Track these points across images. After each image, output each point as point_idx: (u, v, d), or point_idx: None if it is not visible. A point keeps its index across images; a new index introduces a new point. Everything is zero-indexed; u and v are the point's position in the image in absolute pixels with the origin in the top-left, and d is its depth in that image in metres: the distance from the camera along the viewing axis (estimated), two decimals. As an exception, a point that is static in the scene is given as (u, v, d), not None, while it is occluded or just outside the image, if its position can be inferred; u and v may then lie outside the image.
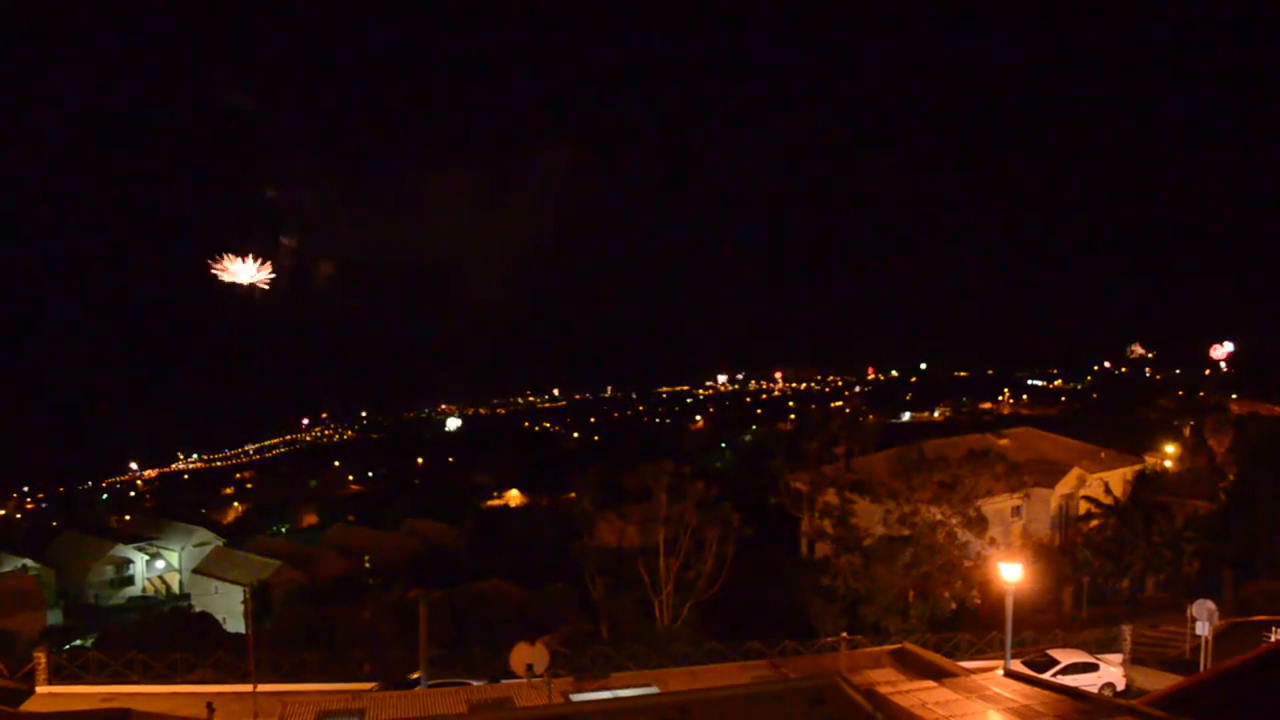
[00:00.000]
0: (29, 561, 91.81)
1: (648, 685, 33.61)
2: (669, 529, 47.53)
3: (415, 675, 35.63)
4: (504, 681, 33.92)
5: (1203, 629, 37.43)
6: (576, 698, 30.84)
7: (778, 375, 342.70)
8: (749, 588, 51.06)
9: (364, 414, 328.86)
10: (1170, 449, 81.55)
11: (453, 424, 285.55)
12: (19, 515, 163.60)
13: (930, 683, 28.47)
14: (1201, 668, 36.30)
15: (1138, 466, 71.46)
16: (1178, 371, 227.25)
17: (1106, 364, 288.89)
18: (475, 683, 34.96)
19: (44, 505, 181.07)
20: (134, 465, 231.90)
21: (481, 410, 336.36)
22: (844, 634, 39.11)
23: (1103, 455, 69.75)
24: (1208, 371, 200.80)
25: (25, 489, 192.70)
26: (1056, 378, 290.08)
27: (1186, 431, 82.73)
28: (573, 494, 62.60)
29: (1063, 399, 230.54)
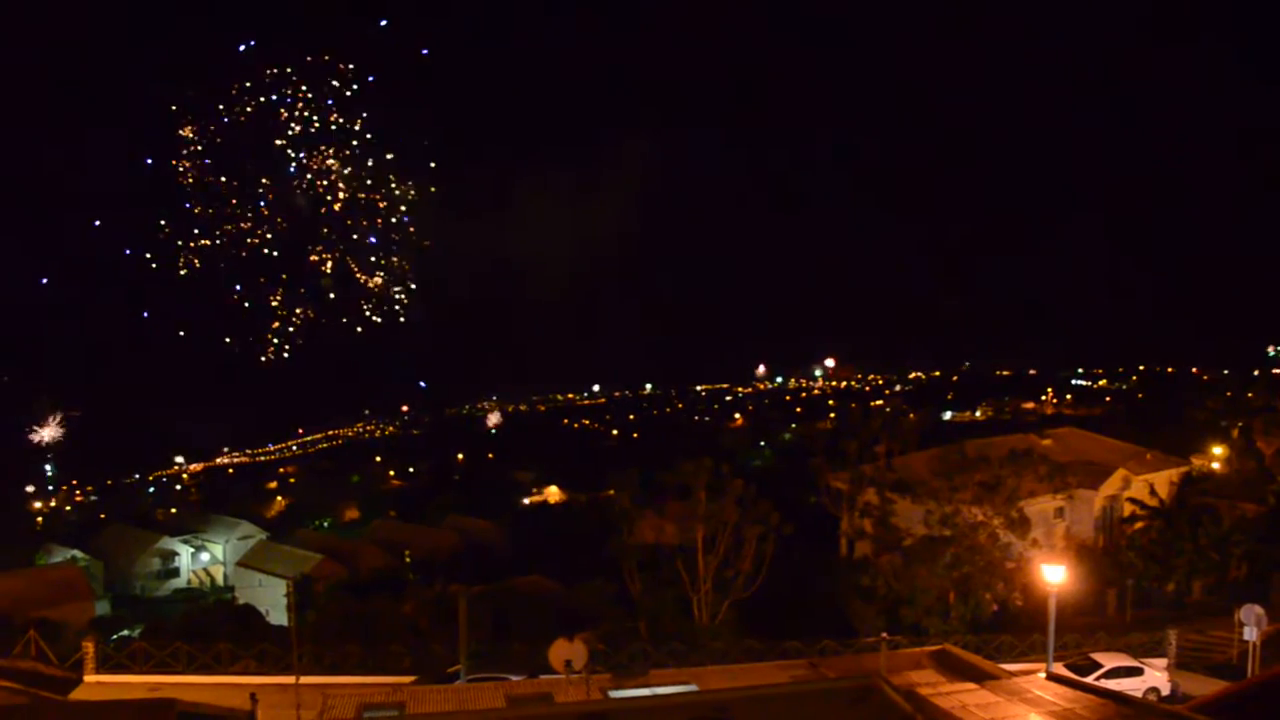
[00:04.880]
0: (78, 553, 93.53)
1: (686, 683, 33.66)
2: (708, 527, 47.50)
3: (455, 670, 35.87)
4: (543, 677, 34.06)
5: (1250, 634, 36.86)
6: (615, 694, 30.96)
7: (820, 370, 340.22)
8: (788, 587, 50.91)
9: (405, 409, 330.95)
10: (1218, 450, 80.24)
11: (493, 420, 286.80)
12: (68, 508, 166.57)
13: (971, 685, 28.32)
14: (1249, 673, 35.79)
15: (1184, 468, 70.34)
16: (1226, 372, 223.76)
17: (1157, 366, 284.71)
18: (514, 678, 35.14)
19: (92, 498, 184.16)
20: (180, 459, 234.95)
21: (522, 407, 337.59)
22: (884, 634, 38.92)
23: (1148, 456, 68.73)
24: (1256, 372, 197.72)
25: (74, 482, 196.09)
26: (1101, 377, 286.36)
27: (1235, 433, 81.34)
28: (612, 491, 62.68)
29: (1107, 399, 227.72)
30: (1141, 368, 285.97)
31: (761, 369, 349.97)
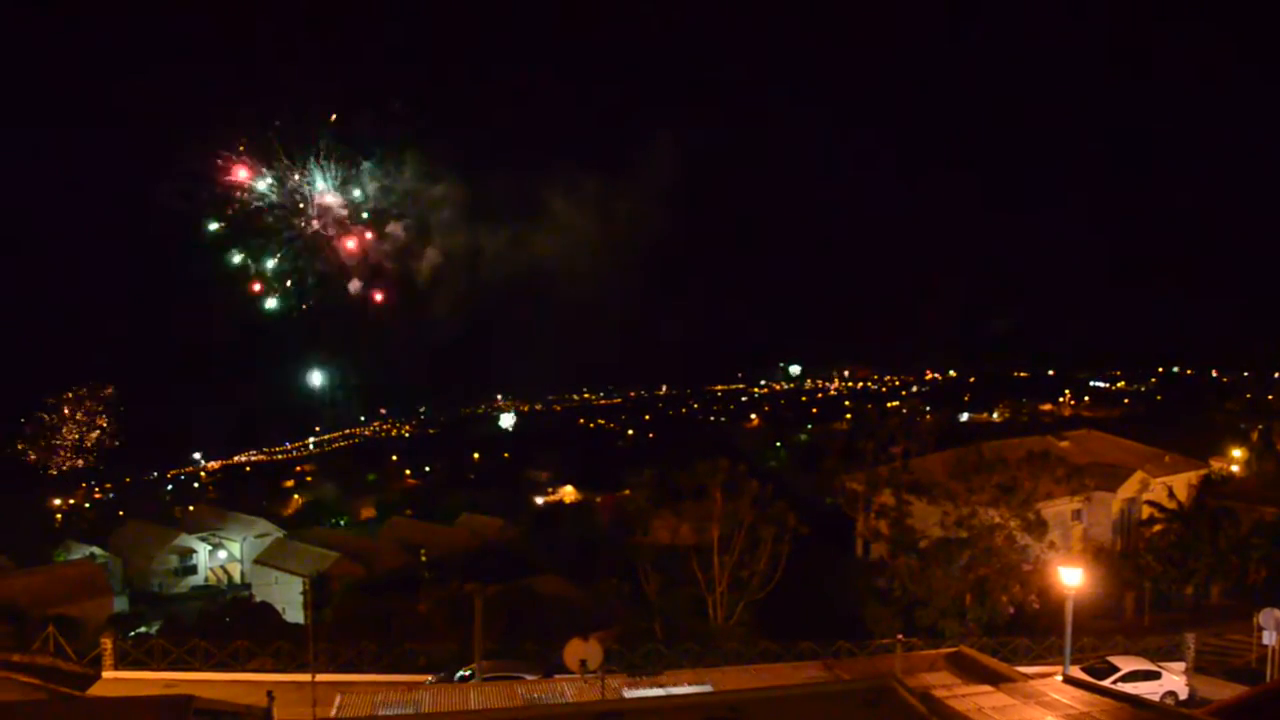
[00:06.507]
0: (96, 550, 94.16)
1: (701, 683, 33.56)
2: (723, 527, 47.49)
3: (470, 669, 35.94)
4: (558, 677, 34.10)
5: (1269, 638, 36.61)
6: (629, 694, 30.90)
7: (839, 374, 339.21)
8: (803, 588, 50.85)
9: (421, 409, 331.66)
10: (1237, 453, 79.77)
11: (507, 420, 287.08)
12: (87, 505, 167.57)
13: (987, 687, 28.15)
14: (1267, 678, 35.61)
15: (1203, 471, 69.93)
16: (1245, 374, 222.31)
17: (1175, 368, 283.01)
18: (529, 677, 35.17)
19: (111, 495, 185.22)
20: (197, 457, 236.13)
21: (537, 406, 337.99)
22: (899, 636, 38.83)
23: (1167, 459, 68.37)
24: (1277, 374, 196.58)
25: (93, 480, 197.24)
26: (1119, 379, 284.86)
27: (1254, 435, 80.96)
28: (628, 491, 62.76)
29: (1126, 401, 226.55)
30: (1160, 369, 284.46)
31: (779, 368, 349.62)
